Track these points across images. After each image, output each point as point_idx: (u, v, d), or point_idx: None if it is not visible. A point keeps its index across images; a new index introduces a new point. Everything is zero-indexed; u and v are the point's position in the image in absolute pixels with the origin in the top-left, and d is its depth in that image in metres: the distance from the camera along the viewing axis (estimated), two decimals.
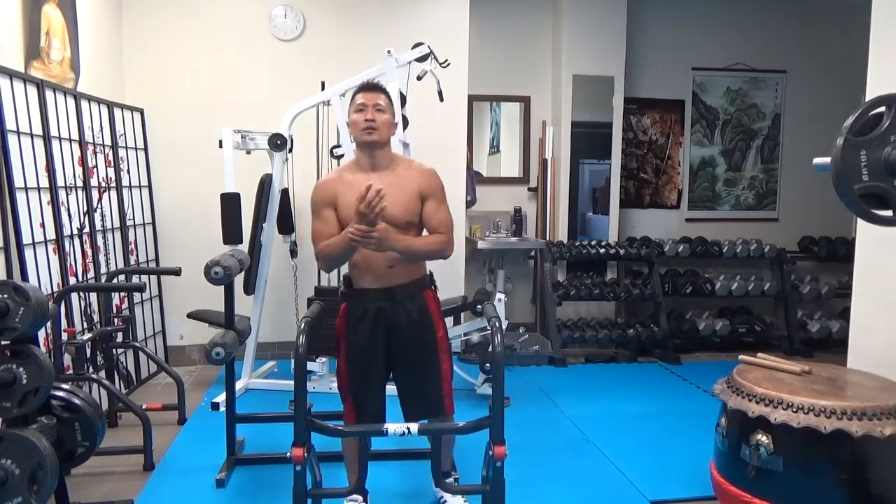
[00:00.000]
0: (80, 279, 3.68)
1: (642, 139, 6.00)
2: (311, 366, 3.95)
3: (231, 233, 3.91)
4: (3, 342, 2.24)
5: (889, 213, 1.89)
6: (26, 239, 3.12)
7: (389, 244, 2.26)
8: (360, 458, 2.25)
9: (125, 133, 4.44)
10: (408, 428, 2.15)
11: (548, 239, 5.59)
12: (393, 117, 2.44)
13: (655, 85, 5.93)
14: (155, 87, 4.70)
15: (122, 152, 4.36)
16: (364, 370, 2.46)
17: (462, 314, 4.33)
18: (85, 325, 3.68)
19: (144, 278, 4.47)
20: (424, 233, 2.50)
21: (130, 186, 4.44)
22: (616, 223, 5.69)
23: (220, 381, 4.24)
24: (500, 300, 4.35)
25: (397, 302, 2.41)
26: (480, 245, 5.19)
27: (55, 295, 3.26)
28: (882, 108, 1.84)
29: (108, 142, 4.20)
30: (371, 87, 2.43)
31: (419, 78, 3.98)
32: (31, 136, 3.28)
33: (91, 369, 3.34)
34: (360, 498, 2.59)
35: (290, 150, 4.16)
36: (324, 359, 4.15)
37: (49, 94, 3.47)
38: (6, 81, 3.08)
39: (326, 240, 2.37)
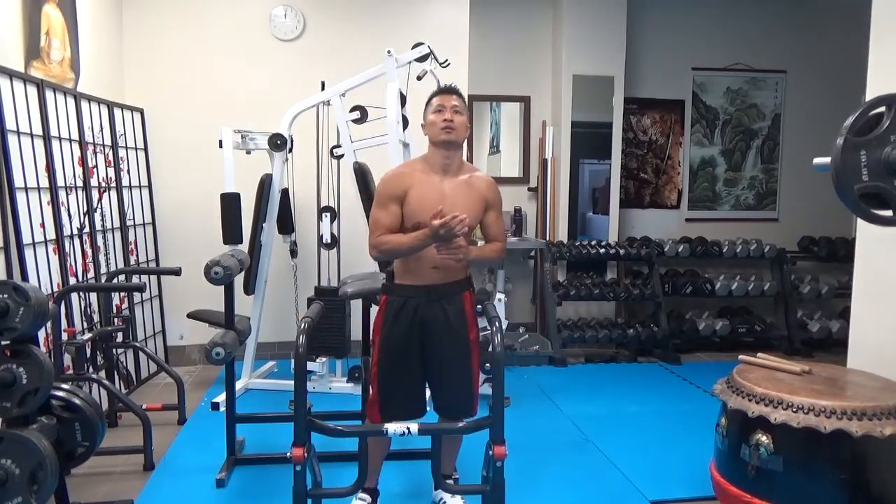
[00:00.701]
0: (80, 279, 3.68)
1: (642, 139, 6.00)
2: (311, 366, 3.95)
3: (231, 233, 3.91)
4: (3, 342, 2.24)
5: (889, 213, 1.89)
6: (26, 239, 3.12)
7: (469, 254, 2.37)
8: (360, 457, 2.25)
9: (125, 133, 4.44)
10: (408, 428, 2.15)
11: (548, 239, 5.59)
12: (467, 121, 2.49)
13: (655, 85, 5.93)
14: (155, 87, 4.70)
15: (122, 152, 4.36)
16: (395, 366, 2.48)
17: None
18: (85, 325, 3.68)
19: (144, 278, 4.47)
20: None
21: (130, 186, 4.44)
22: (616, 223, 5.69)
23: (220, 381, 4.24)
24: (500, 300, 4.35)
25: (435, 301, 2.44)
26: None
27: (55, 295, 3.26)
28: (882, 108, 1.85)
29: (108, 142, 4.20)
30: (447, 90, 2.49)
31: (419, 78, 3.97)
32: (31, 136, 3.28)
33: (91, 369, 3.34)
34: (368, 498, 2.62)
35: (290, 150, 4.16)
36: (324, 359, 4.15)
37: (49, 94, 3.47)
38: (6, 81, 3.08)
39: (384, 231, 2.42)
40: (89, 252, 3.81)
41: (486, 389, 4.06)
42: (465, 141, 2.55)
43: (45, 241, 3.32)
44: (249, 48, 4.79)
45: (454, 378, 2.50)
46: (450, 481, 2.67)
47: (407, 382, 2.49)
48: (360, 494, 2.61)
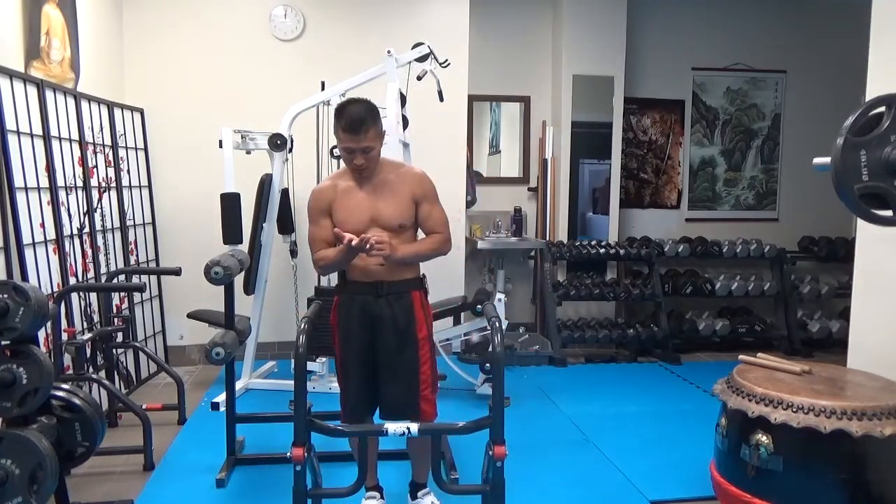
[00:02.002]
0: (80, 279, 3.68)
1: (642, 139, 6.00)
2: (311, 366, 3.95)
3: (231, 233, 3.91)
4: (3, 342, 2.24)
5: (889, 213, 1.90)
6: (26, 239, 3.12)
7: (396, 257, 2.35)
8: (360, 457, 2.25)
9: (125, 133, 4.44)
10: (408, 428, 2.14)
11: (548, 239, 5.59)
12: (381, 139, 2.44)
13: (655, 85, 5.93)
14: (155, 87, 4.71)
15: (122, 152, 4.36)
16: (351, 362, 2.49)
17: (462, 314, 4.33)
18: (85, 325, 3.68)
19: (144, 278, 4.47)
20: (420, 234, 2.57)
21: (130, 186, 4.45)
22: (616, 223, 5.69)
23: (220, 381, 4.24)
24: (500, 300, 4.35)
25: (382, 297, 2.44)
26: (480, 245, 5.19)
27: (55, 295, 3.26)
28: (882, 108, 1.85)
29: (108, 142, 4.20)
30: (354, 127, 2.32)
31: (419, 78, 3.97)
32: (31, 136, 3.28)
33: (91, 369, 3.34)
34: (377, 495, 2.64)
35: (290, 150, 4.16)
36: (324, 359, 4.15)
37: (49, 94, 3.47)
38: (6, 81, 3.08)
39: (322, 245, 2.46)
40: (89, 252, 3.81)
41: (486, 389, 4.08)
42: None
43: (45, 241, 3.32)
44: (249, 48, 4.79)
45: (398, 375, 2.47)
46: (425, 491, 2.67)
47: (360, 380, 2.49)
48: (369, 493, 2.62)
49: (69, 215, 3.61)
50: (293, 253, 4.45)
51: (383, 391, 2.50)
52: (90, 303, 3.78)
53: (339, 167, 4.30)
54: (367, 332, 2.45)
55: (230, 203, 3.92)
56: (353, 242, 2.25)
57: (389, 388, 2.49)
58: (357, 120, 2.33)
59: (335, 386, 4.18)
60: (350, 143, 2.36)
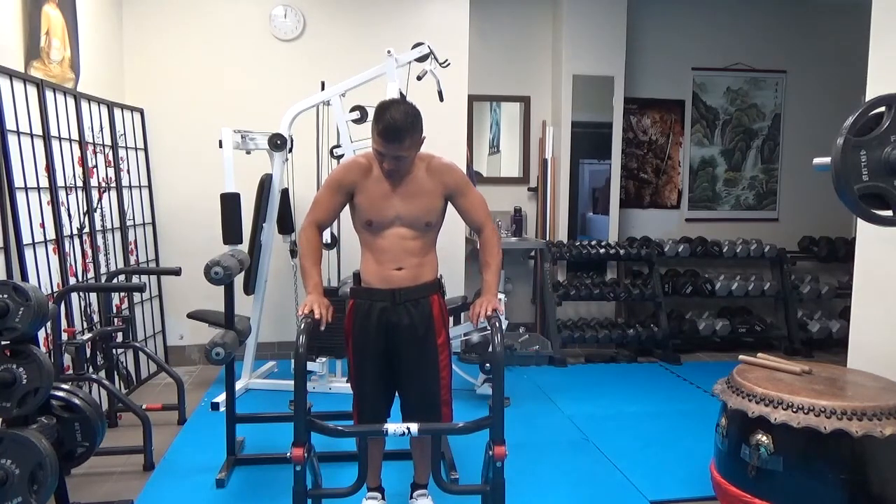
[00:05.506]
0: (80, 279, 3.68)
1: (642, 139, 6.00)
2: (311, 366, 3.95)
3: (231, 233, 3.91)
4: (3, 342, 2.24)
5: (889, 213, 1.90)
6: (26, 239, 3.12)
7: (495, 300, 2.35)
8: (360, 457, 2.25)
9: (125, 133, 4.44)
10: (408, 428, 2.15)
11: (548, 239, 5.59)
12: (418, 147, 2.36)
13: (655, 85, 5.93)
14: (155, 87, 4.70)
15: (122, 152, 4.36)
16: (367, 368, 2.47)
17: (462, 314, 4.33)
18: (85, 325, 3.68)
19: (144, 278, 4.47)
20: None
21: (130, 186, 4.44)
22: (616, 223, 5.69)
23: (220, 381, 4.24)
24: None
25: (400, 304, 2.40)
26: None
27: (55, 295, 3.26)
28: (882, 108, 1.85)
29: (108, 142, 4.20)
30: (389, 137, 2.22)
31: (419, 78, 3.97)
32: (31, 136, 3.28)
33: (91, 369, 3.34)
34: (378, 496, 2.62)
35: (290, 150, 4.16)
36: (324, 359, 4.15)
37: (49, 94, 3.47)
38: (6, 81, 3.08)
39: (316, 216, 2.41)
40: (89, 252, 3.81)
41: (486, 389, 4.08)
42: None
43: (45, 241, 3.32)
44: (249, 48, 4.78)
45: (419, 383, 2.45)
46: (423, 490, 2.66)
47: (377, 385, 2.47)
48: (370, 493, 2.61)
49: (69, 215, 3.61)
50: (293, 253, 4.45)
51: (404, 398, 2.50)
52: (90, 303, 3.78)
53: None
54: (383, 339, 2.41)
55: (230, 203, 3.92)
56: (314, 318, 2.23)
57: (410, 395, 2.48)
58: (394, 129, 2.22)
59: (335, 386, 4.20)
60: (381, 149, 2.27)
